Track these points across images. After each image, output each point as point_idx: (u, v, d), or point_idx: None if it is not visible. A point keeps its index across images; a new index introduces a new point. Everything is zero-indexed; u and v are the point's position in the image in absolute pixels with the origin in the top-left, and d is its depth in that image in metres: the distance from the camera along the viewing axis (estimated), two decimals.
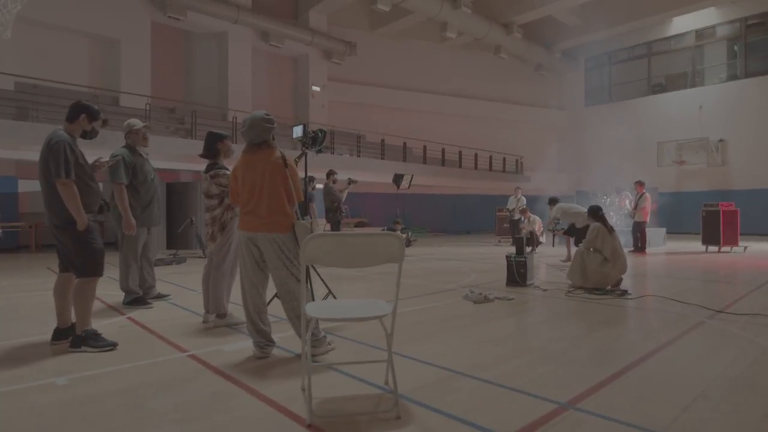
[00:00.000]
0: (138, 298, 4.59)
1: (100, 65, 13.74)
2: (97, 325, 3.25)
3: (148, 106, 11.88)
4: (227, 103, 15.58)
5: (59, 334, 3.17)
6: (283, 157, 2.84)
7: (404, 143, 18.01)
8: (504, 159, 21.44)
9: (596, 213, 5.61)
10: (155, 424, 1.97)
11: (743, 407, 2.11)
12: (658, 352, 2.92)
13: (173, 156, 10.92)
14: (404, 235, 10.24)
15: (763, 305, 4.33)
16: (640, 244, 10.09)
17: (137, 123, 4.55)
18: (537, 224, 10.76)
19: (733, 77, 18.76)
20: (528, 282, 5.60)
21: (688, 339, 3.22)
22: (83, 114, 3.16)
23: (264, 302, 2.93)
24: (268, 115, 2.89)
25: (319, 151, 3.96)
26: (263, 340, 2.87)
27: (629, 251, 8.70)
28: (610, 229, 5.45)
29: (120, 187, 4.31)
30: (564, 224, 8.19)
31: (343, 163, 15.75)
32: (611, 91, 22.30)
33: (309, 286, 3.82)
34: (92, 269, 3.09)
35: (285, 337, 3.20)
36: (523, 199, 12.26)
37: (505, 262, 5.75)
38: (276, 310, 3.49)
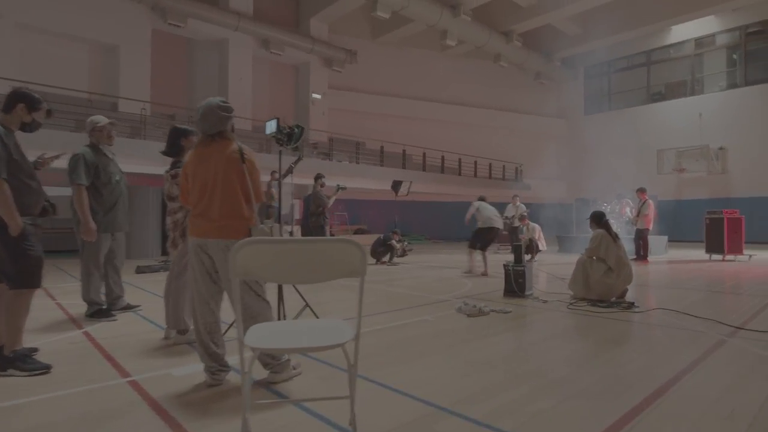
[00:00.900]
0: (101, 309, 4.19)
1: (99, 71, 13.59)
2: (48, 339, 2.85)
3: (144, 111, 11.63)
4: None
5: None
6: (241, 151, 2.45)
7: (404, 150, 17.78)
8: (503, 167, 21.25)
9: (600, 219, 5.22)
10: None
11: None
12: (679, 379, 2.51)
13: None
14: (399, 245, 9.84)
15: None
16: (642, 253, 9.72)
17: (101, 120, 4.17)
18: (536, 232, 10.38)
19: (732, 85, 18.58)
20: (527, 292, 5.21)
21: (711, 363, 2.81)
22: (21, 103, 2.78)
23: (217, 320, 2.51)
24: (225, 102, 2.51)
25: (296, 149, 3.58)
26: (215, 364, 2.45)
27: (631, 259, 8.29)
28: (615, 237, 5.06)
29: (79, 189, 3.93)
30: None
31: (343, 170, 15.51)
32: (611, 99, 22.13)
33: (281, 305, 3.44)
34: (26, 280, 2.69)
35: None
36: (522, 206, 11.91)
37: (503, 270, 5.36)
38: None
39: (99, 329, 3.79)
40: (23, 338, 2.75)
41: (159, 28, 14.34)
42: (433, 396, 2.27)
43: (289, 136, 3.51)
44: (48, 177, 4.29)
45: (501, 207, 14.86)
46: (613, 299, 4.82)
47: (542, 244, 10.57)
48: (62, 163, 3.84)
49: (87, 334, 3.61)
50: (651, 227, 9.86)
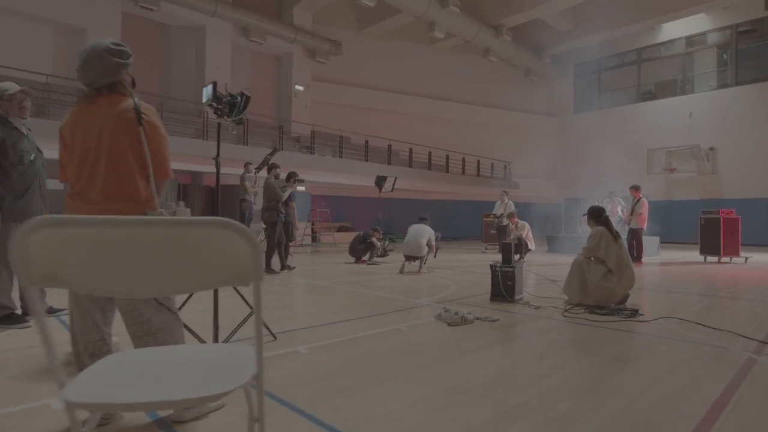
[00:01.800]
0: (12, 315, 3.50)
1: (64, 54, 12.69)
2: None
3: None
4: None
5: None
6: (138, 109, 1.80)
7: (389, 145, 17.17)
8: (492, 164, 20.80)
9: (599, 216, 4.65)
10: None
11: None
12: (714, 418, 1.93)
13: None
14: (380, 243, 9.21)
15: None
16: (636, 254, 9.23)
17: (11, 87, 3.46)
18: (526, 230, 9.84)
19: (723, 85, 18.34)
20: (516, 297, 4.63)
21: (747, 394, 2.24)
22: None
23: (104, 338, 1.86)
24: (118, 45, 1.87)
25: (239, 122, 2.93)
26: None
27: None
28: (616, 235, 4.50)
29: None
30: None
31: (326, 164, 14.87)
32: (600, 97, 21.80)
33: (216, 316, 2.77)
34: None
35: None
36: (511, 204, 11.40)
37: (490, 272, 4.77)
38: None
39: (3, 339, 3.12)
40: None
41: (130, 11, 13.56)
42: None
43: (231, 106, 2.86)
44: None
45: (489, 206, 14.47)
46: (613, 305, 4.26)
47: (531, 244, 10.04)
48: None
49: None
50: (645, 227, 9.38)
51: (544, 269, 7.92)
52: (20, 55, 11.47)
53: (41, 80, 10.84)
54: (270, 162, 7.65)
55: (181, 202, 8.99)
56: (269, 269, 6.93)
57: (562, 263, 8.98)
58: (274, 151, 8.62)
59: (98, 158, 1.74)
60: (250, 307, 3.03)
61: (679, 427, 1.84)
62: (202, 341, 2.76)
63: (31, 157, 3.54)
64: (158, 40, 15.37)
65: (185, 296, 2.95)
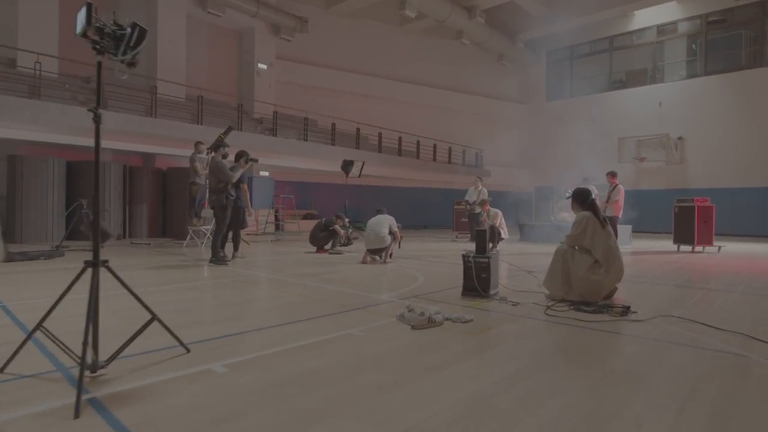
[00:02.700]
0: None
1: None
2: None
3: (38, 65, 9.57)
4: (156, 75, 13.29)
5: None
6: None
7: (357, 129, 16.38)
8: (464, 151, 20.33)
9: (584, 199, 4.10)
10: None
11: None
12: None
13: (78, 130, 9.01)
14: (343, 232, 8.51)
15: None
16: None
17: None
18: (498, 218, 9.35)
19: (692, 75, 18.38)
20: (492, 291, 4.05)
21: None
22: None
23: None
24: None
25: (132, 65, 2.17)
26: None
27: None
28: (603, 222, 3.97)
29: None
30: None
31: (290, 148, 13.98)
32: (572, 85, 21.63)
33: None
34: None
35: None
36: (485, 191, 10.90)
37: (461, 262, 4.17)
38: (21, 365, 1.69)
39: None
40: None
41: None
42: None
43: (117, 40, 2.09)
44: None
45: (460, 194, 14.00)
46: (601, 301, 3.73)
47: (504, 232, 9.57)
48: None
49: None
50: (621, 215, 9.04)
51: (518, 258, 7.43)
52: None
53: None
54: (223, 141, 6.85)
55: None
56: (219, 258, 6.15)
57: (536, 252, 8.54)
58: (229, 129, 7.77)
59: None
60: (153, 314, 2.28)
61: None
62: (177, 339, 2.00)
63: None
64: (103, 7, 13.86)
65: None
